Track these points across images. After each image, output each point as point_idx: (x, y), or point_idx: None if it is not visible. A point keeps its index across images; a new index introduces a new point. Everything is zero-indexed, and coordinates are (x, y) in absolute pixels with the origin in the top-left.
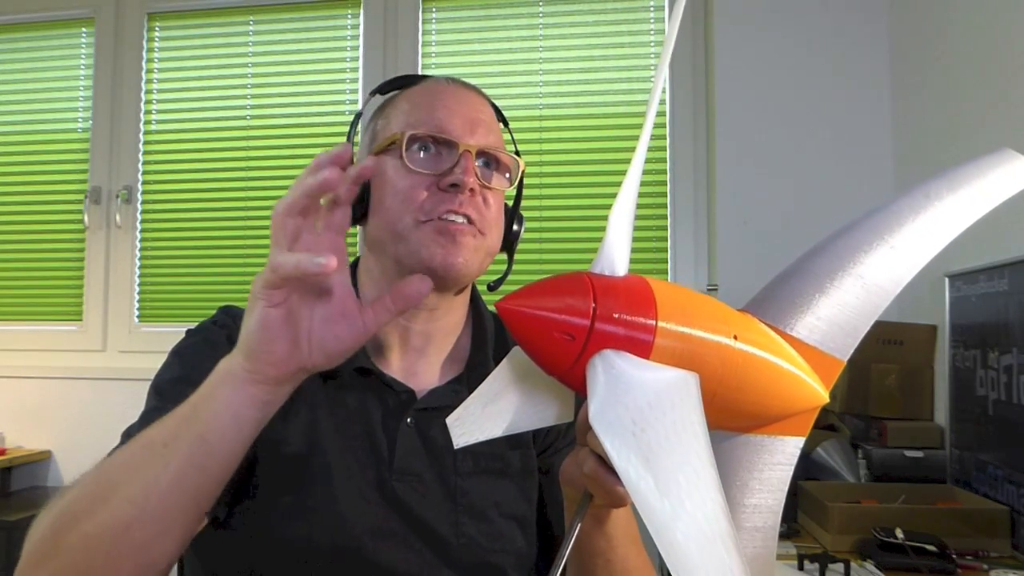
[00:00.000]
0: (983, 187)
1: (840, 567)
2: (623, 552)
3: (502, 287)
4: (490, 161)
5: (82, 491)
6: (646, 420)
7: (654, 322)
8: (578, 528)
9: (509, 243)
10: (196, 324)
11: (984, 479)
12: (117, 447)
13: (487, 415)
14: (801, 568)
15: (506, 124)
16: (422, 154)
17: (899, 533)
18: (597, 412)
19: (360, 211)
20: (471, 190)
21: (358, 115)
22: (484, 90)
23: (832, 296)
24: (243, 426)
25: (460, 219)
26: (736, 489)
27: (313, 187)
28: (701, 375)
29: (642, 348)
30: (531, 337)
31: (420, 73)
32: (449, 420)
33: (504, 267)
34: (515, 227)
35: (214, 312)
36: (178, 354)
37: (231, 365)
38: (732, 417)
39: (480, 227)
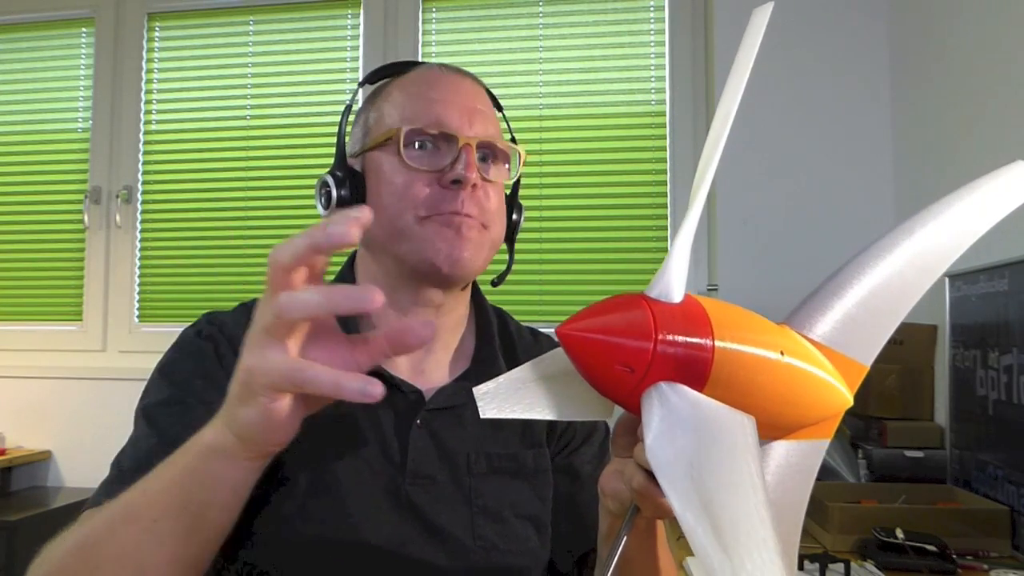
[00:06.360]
0: (996, 194)
1: (840, 567)
2: (655, 553)
3: (507, 286)
4: (488, 153)
5: (65, 566)
6: (702, 465)
7: (711, 342)
8: (624, 541)
9: (510, 233)
10: (180, 334)
11: (984, 479)
12: (108, 485)
13: (519, 396)
14: (801, 568)
15: (500, 109)
16: (420, 150)
17: (899, 533)
18: (653, 446)
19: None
20: (473, 185)
21: (348, 107)
22: None
23: (855, 302)
24: (241, 491)
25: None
26: None
27: (326, 239)
28: (753, 394)
29: (701, 371)
30: (590, 364)
31: (411, 60)
32: (477, 391)
33: (503, 261)
34: (515, 216)
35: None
36: (164, 373)
37: (224, 442)
38: (774, 429)
39: (483, 221)
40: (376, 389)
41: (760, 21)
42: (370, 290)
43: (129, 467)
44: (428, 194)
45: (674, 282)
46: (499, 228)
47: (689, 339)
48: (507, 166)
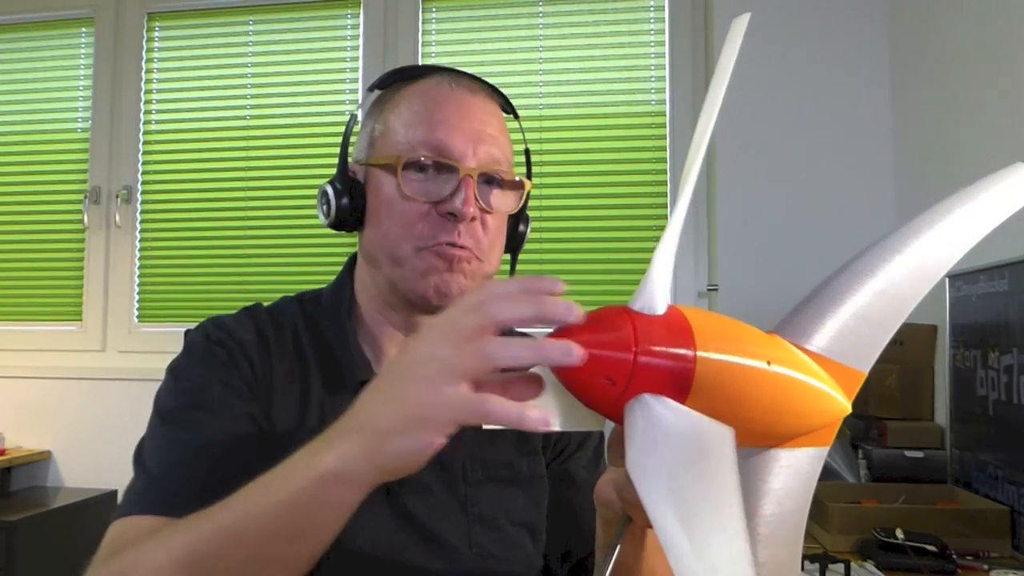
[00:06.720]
0: (996, 199)
1: (840, 567)
2: (651, 562)
3: None
4: (492, 178)
5: None
6: (681, 478)
7: (693, 353)
8: (618, 550)
9: (514, 245)
10: (188, 339)
11: (984, 479)
12: (140, 489)
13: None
14: (801, 568)
15: (515, 115)
16: (420, 176)
17: (899, 533)
18: (634, 459)
19: (355, 218)
20: (472, 218)
21: (353, 116)
22: None
23: (852, 311)
24: (350, 513)
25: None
26: (763, 497)
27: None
28: (740, 403)
29: (683, 382)
30: (573, 377)
31: (423, 65)
32: None
33: (506, 261)
34: (521, 228)
35: (204, 319)
36: (179, 377)
37: (353, 470)
38: (765, 437)
39: (478, 254)
40: (555, 420)
41: (738, 31)
42: (572, 346)
43: (160, 475)
44: (425, 226)
45: (657, 294)
46: (495, 258)
47: (670, 350)
48: (518, 178)
